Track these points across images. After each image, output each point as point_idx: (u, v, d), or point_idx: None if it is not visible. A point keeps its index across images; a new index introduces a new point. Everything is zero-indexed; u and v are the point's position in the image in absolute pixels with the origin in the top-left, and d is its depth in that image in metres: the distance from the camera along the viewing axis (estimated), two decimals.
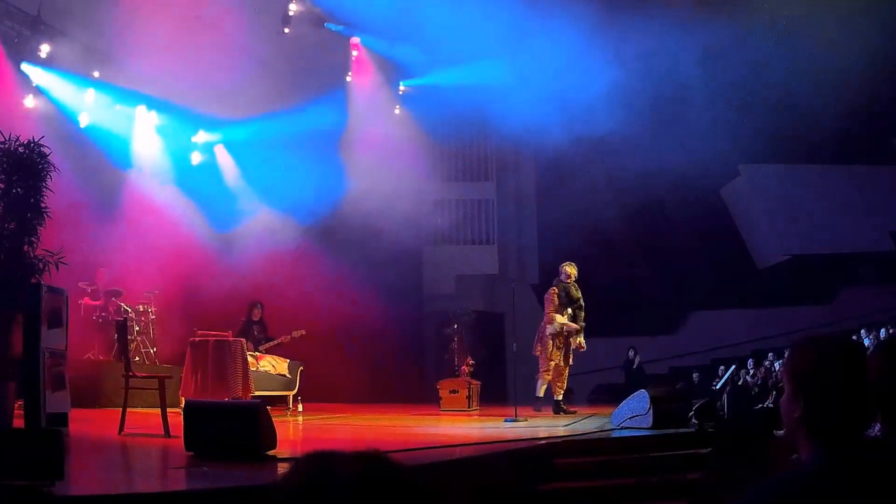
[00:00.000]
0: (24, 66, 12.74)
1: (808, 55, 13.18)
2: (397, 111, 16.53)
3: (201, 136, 15.39)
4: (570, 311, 11.29)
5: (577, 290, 11.40)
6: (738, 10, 13.43)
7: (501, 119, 15.33)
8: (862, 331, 13.55)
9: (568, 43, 13.31)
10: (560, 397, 11.48)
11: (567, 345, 11.34)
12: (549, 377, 11.34)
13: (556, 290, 11.33)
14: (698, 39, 13.22)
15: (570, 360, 11.46)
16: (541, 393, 11.49)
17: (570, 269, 11.50)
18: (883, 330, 13.12)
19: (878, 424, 2.39)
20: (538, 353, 11.41)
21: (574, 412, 11.42)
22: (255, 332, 12.61)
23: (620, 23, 13.15)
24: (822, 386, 2.04)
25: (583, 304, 11.39)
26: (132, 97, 13.92)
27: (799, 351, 2.13)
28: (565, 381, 11.50)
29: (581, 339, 11.34)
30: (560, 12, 13.21)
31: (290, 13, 14.60)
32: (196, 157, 15.44)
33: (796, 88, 14.08)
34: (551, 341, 11.22)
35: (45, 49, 12.75)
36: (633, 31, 13.26)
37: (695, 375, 15.70)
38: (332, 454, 1.36)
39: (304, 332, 12.79)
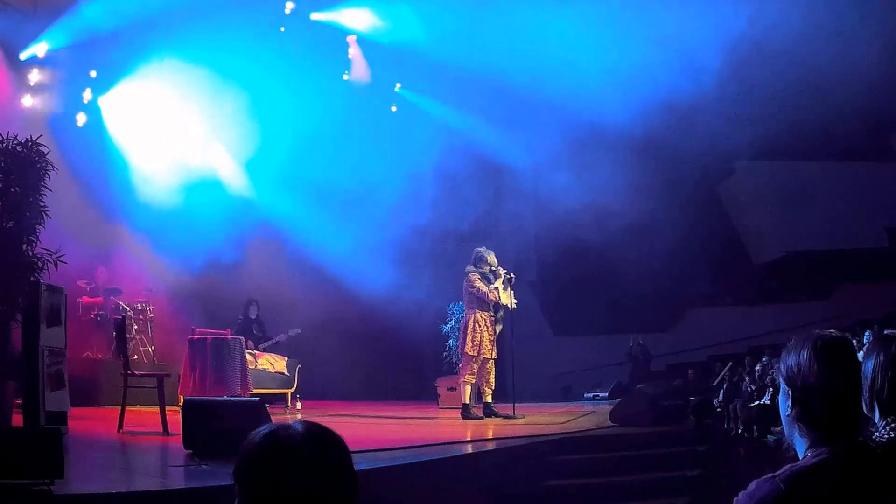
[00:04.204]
0: (22, 65, 12.76)
1: (806, 52, 13.19)
2: (394, 109, 16.52)
3: (199, 135, 15.36)
4: None
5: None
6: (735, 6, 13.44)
7: (500, 116, 15.35)
8: (858, 328, 13.56)
9: (565, 37, 13.32)
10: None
11: None
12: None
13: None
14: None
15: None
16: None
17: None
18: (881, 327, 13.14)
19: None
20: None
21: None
22: (255, 331, 12.64)
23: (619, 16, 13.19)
24: (813, 383, 2.06)
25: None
26: (130, 98, 13.92)
27: (791, 348, 2.14)
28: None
29: None
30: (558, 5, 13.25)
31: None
32: (193, 158, 15.41)
33: (793, 85, 14.08)
34: None
35: (41, 48, 12.76)
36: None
37: (690, 372, 15.71)
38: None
39: (299, 331, 12.82)
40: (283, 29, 14.71)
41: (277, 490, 1.55)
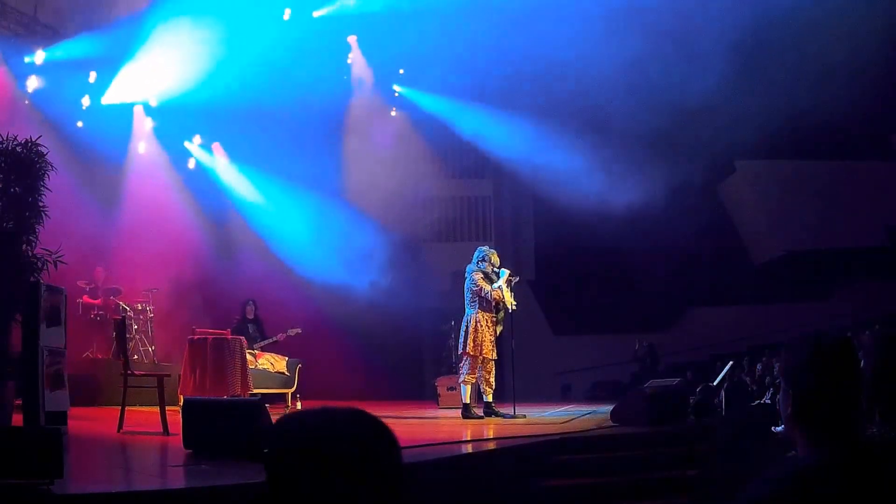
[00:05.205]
0: (22, 66, 12.78)
1: (806, 51, 13.20)
2: (394, 113, 16.48)
3: (198, 137, 15.38)
4: None
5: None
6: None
7: (499, 113, 15.35)
8: (858, 328, 13.56)
9: (562, 36, 13.32)
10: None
11: None
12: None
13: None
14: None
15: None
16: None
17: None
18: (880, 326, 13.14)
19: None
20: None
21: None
22: (250, 331, 12.63)
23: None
24: (812, 382, 2.06)
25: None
26: (129, 98, 13.93)
27: (790, 348, 2.15)
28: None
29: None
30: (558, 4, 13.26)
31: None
32: (192, 159, 15.43)
33: (794, 84, 14.10)
34: None
35: (41, 51, 12.79)
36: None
37: (689, 374, 15.70)
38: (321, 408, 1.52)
39: (299, 331, 12.80)
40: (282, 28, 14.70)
41: (329, 472, 1.43)
